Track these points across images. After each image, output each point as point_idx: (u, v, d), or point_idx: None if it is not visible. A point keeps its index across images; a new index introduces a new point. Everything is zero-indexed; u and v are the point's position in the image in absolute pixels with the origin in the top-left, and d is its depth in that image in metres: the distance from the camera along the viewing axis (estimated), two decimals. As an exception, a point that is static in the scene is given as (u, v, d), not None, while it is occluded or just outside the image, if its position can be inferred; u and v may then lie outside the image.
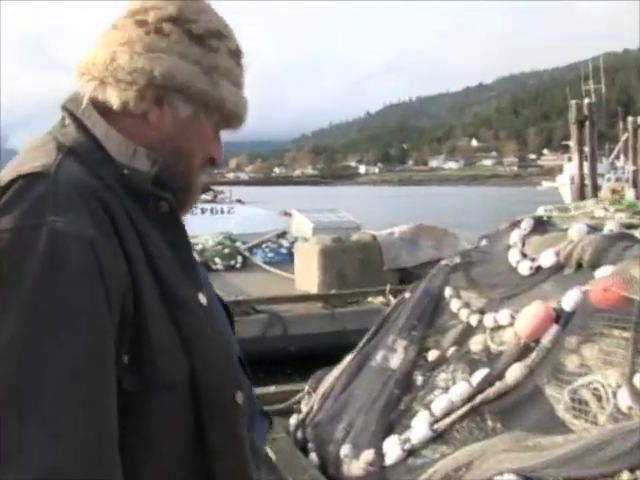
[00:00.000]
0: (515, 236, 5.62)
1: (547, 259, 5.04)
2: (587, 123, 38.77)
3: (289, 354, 11.04)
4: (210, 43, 1.68)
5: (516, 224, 5.89)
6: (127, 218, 1.49)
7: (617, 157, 67.13)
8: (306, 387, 6.47)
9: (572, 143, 49.21)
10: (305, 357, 10.78)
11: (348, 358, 6.12)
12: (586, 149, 40.10)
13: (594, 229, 5.16)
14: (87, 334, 1.32)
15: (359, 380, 5.66)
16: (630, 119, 51.67)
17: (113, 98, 1.60)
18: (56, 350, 1.28)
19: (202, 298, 1.61)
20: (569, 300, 4.36)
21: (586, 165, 40.73)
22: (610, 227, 5.13)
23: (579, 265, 4.81)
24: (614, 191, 48.36)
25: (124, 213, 1.49)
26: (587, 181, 40.48)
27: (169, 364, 1.48)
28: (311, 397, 6.21)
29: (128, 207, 1.51)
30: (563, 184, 65.98)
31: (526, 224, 5.75)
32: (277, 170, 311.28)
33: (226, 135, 1.80)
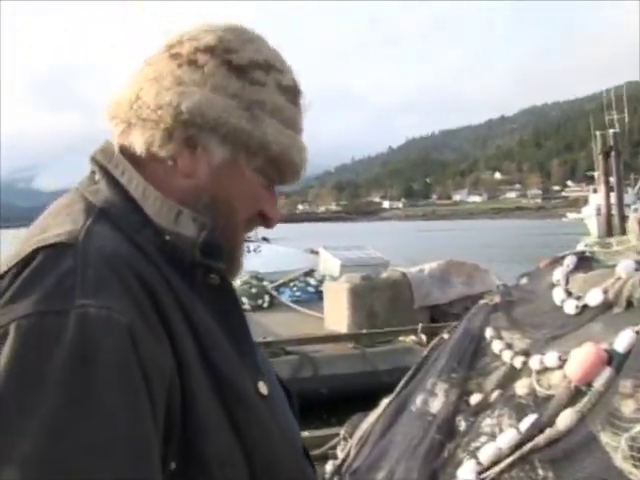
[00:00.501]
0: (558, 273, 5.43)
1: (594, 298, 4.84)
2: (613, 153, 38.44)
3: (320, 396, 10.87)
4: (254, 75, 1.44)
5: (558, 261, 5.70)
6: (171, 294, 1.27)
7: (643, 187, 66.85)
8: (342, 432, 6.30)
9: (597, 174, 48.99)
10: (337, 399, 10.67)
11: (385, 402, 5.94)
12: (612, 180, 39.76)
13: (642, 265, 4.96)
14: (126, 454, 1.08)
15: (398, 425, 5.48)
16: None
17: (137, 140, 1.39)
18: (87, 475, 1.04)
19: (263, 387, 1.38)
20: (622, 341, 4.16)
21: (612, 196, 40.38)
22: (661, 263, 4.93)
23: (629, 304, 4.61)
24: (641, 221, 48.03)
25: (167, 288, 1.27)
26: (613, 212, 40.10)
27: (227, 474, 1.25)
28: (347, 443, 6.03)
29: (171, 280, 1.30)
30: (589, 215, 65.76)
31: (569, 261, 5.55)
32: (301, 207, 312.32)
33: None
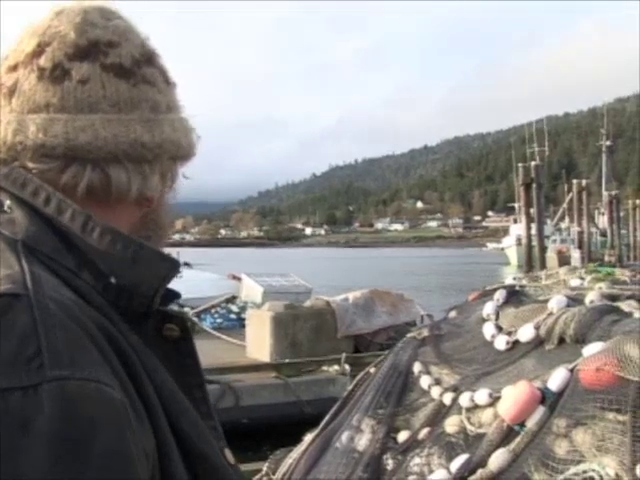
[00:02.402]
0: (489, 308, 5.34)
1: (526, 333, 4.75)
2: (534, 185, 39.18)
3: (242, 427, 10.66)
4: (170, 76, 1.26)
5: (487, 294, 5.63)
6: (134, 354, 1.01)
7: (561, 219, 68.32)
8: (264, 468, 6.11)
9: (519, 205, 49.95)
10: (259, 429, 10.51)
11: (309, 437, 5.78)
12: (532, 211, 40.53)
13: (574, 300, 4.90)
14: None
15: (323, 463, 5.32)
16: (575, 181, 52.85)
17: (122, 183, 1.14)
18: None
19: (229, 455, 1.17)
20: (556, 379, 4.06)
21: (532, 227, 41.19)
22: (591, 298, 4.86)
23: (561, 340, 4.53)
24: (560, 252, 49.17)
25: (131, 350, 1.01)
26: (534, 242, 40.89)
27: None
28: (270, 479, 5.85)
29: (127, 337, 1.03)
30: (509, 245, 66.93)
31: (499, 295, 5.47)
32: (223, 231, 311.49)
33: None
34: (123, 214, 1.18)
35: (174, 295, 1.22)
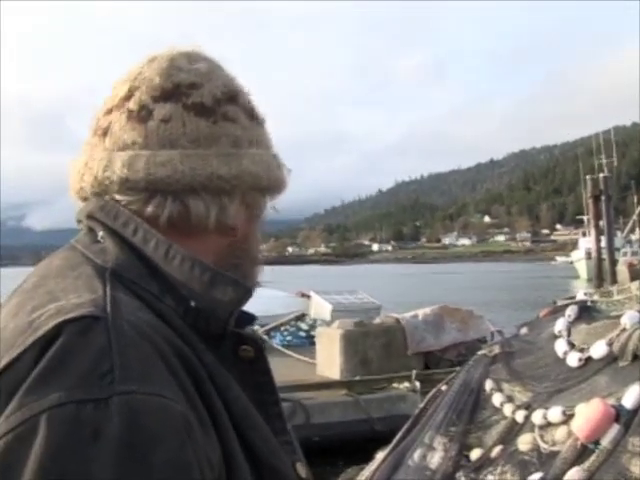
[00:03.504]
0: (560, 324, 5.30)
1: (598, 350, 4.72)
2: (603, 197, 38.62)
3: (313, 444, 10.68)
4: (258, 114, 1.37)
5: (558, 310, 5.60)
6: (204, 370, 1.10)
7: (632, 231, 67.19)
8: (338, 485, 6.16)
9: (587, 218, 49.26)
10: (330, 447, 10.52)
11: (381, 455, 5.79)
12: (602, 223, 39.92)
13: (647, 316, 4.84)
14: None
15: (396, 481, 5.33)
16: (644, 192, 51.86)
17: (200, 213, 1.23)
18: None
19: (301, 469, 1.25)
20: (630, 397, 4.04)
21: (602, 239, 40.58)
22: (666, 314, 4.81)
23: (635, 357, 4.49)
24: (631, 265, 48.35)
25: (201, 366, 1.10)
26: (604, 255, 40.26)
27: None
28: (343, 497, 5.88)
29: (201, 355, 1.13)
30: (579, 259, 65.95)
31: (571, 311, 5.43)
32: (290, 249, 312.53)
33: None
34: (207, 243, 1.27)
35: (250, 318, 1.32)
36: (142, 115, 1.24)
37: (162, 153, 1.21)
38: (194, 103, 1.26)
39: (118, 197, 1.23)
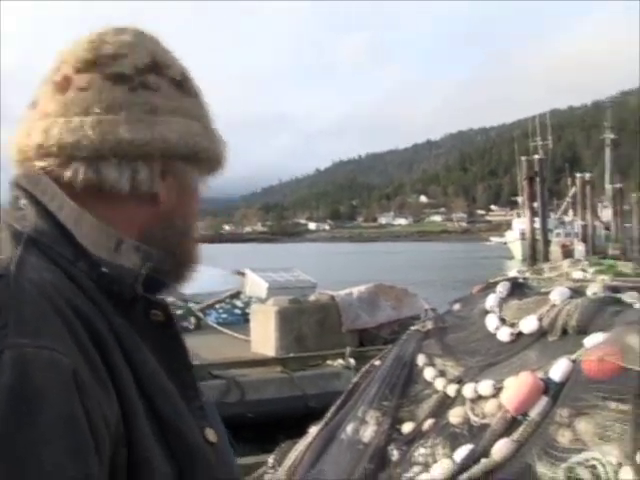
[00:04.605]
0: (492, 300, 5.37)
1: (529, 325, 4.80)
2: (537, 179, 39.15)
3: (247, 421, 10.69)
4: (189, 87, 1.37)
5: (490, 286, 5.66)
6: (111, 333, 1.13)
7: (565, 212, 68.20)
8: (270, 460, 6.15)
9: (522, 199, 49.86)
10: (264, 424, 10.52)
11: (314, 429, 5.81)
12: (536, 205, 40.47)
13: (576, 292, 4.93)
14: None
15: (328, 455, 5.36)
16: (579, 175, 52.77)
17: (113, 179, 1.24)
18: None
19: (210, 434, 1.25)
20: (558, 370, 4.11)
21: (536, 220, 41.13)
22: (594, 290, 4.90)
23: (564, 331, 4.57)
24: (564, 246, 49.09)
25: (107, 326, 1.13)
26: (537, 236, 40.84)
27: None
28: (276, 471, 5.88)
29: (110, 317, 1.16)
30: (513, 239, 66.79)
31: (502, 287, 5.50)
32: (227, 227, 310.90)
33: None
34: (127, 211, 1.28)
35: (161, 284, 1.30)
36: (63, 85, 1.27)
37: (75, 120, 1.23)
38: (113, 72, 1.27)
39: (37, 163, 1.25)
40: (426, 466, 4.50)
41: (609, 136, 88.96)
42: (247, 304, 17.55)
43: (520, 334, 4.87)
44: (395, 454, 4.93)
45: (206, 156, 1.36)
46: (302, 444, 5.81)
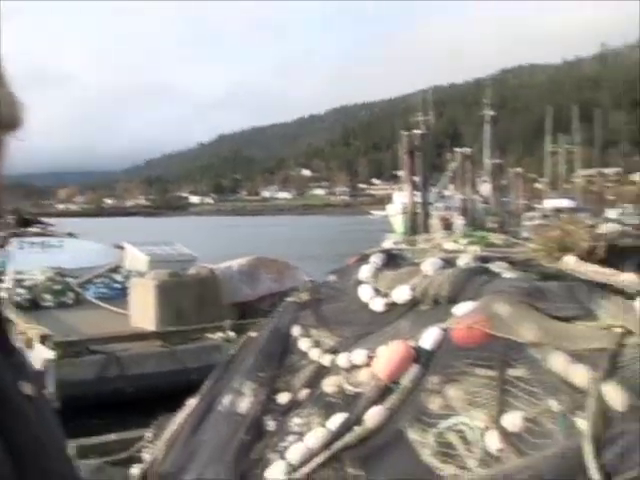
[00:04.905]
0: (366, 271, 5.43)
1: (401, 295, 4.87)
2: (418, 153, 39.74)
3: (128, 396, 10.58)
4: None
5: (365, 258, 5.71)
6: None
7: (445, 187, 69.31)
8: (148, 434, 6.11)
9: (403, 173, 50.45)
10: (145, 398, 10.43)
11: (193, 402, 5.79)
12: (416, 179, 41.07)
13: (448, 263, 5.03)
14: None
15: (206, 427, 5.35)
16: (458, 150, 53.65)
17: None
18: None
19: (26, 387, 1.22)
20: (429, 338, 4.19)
21: (417, 194, 41.76)
22: (465, 260, 5.01)
23: (436, 301, 4.66)
24: (444, 219, 49.98)
25: None
26: (418, 210, 41.47)
27: None
28: (155, 445, 5.84)
29: None
30: (394, 213, 67.56)
31: (376, 258, 5.57)
32: (108, 201, 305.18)
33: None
34: None
35: None
36: None
37: None
38: None
39: None
40: (301, 435, 4.52)
41: (489, 113, 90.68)
42: (127, 278, 17.28)
43: (393, 304, 4.94)
44: (271, 424, 4.95)
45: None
46: (180, 417, 5.79)
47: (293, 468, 4.30)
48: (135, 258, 19.41)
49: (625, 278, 4.57)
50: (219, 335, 12.33)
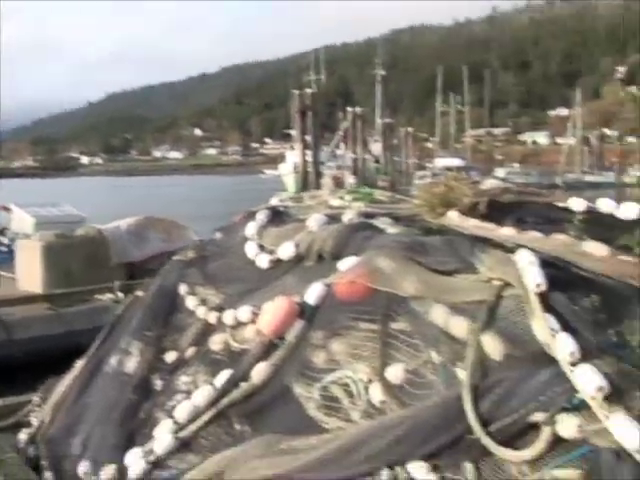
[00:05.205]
0: (251, 228, 5.43)
1: (286, 251, 4.89)
2: (309, 113, 39.71)
3: (16, 361, 10.37)
4: None
5: (251, 215, 5.71)
6: None
7: (337, 146, 69.58)
8: (35, 398, 6.02)
9: (294, 132, 50.39)
10: (33, 363, 10.24)
11: (80, 364, 5.73)
12: (308, 138, 41.09)
13: (333, 219, 5.06)
14: None
15: (93, 388, 5.31)
16: (350, 109, 53.82)
17: None
18: None
19: None
20: (313, 294, 4.22)
21: (308, 153, 41.82)
22: (349, 216, 5.05)
23: (320, 256, 4.69)
24: (335, 178, 50.23)
25: None
26: (310, 169, 41.55)
27: None
28: (42, 409, 5.76)
29: None
30: (286, 172, 67.60)
31: (262, 215, 5.57)
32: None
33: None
34: None
35: None
36: None
37: None
38: None
39: None
40: (188, 394, 4.53)
41: (380, 72, 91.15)
42: (13, 241, 16.86)
43: (278, 260, 4.96)
44: (158, 383, 4.94)
45: None
46: (67, 379, 5.72)
47: (180, 426, 4.31)
48: (21, 220, 18.91)
49: (505, 232, 4.68)
50: (108, 296, 12.17)
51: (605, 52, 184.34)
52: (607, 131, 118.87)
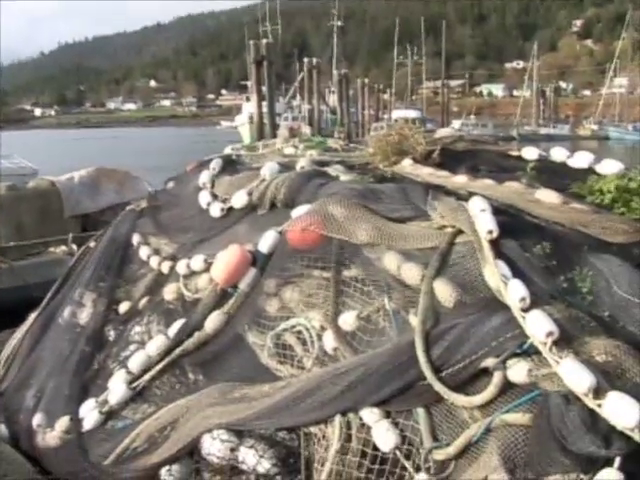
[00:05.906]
0: (204, 177, 5.40)
1: (239, 200, 4.87)
2: (265, 63, 39.36)
3: (-33, 316, 10.24)
4: None
5: (204, 164, 5.68)
6: None
7: (293, 97, 69.19)
8: (-14, 353, 5.97)
9: (250, 83, 50.00)
10: (-15, 317, 10.12)
11: (32, 316, 5.70)
12: (264, 89, 40.76)
13: (286, 167, 5.05)
14: None
15: (46, 340, 5.30)
16: (306, 60, 53.45)
17: None
18: None
19: None
20: (265, 242, 4.21)
21: (264, 104, 41.50)
22: (302, 164, 5.03)
23: (273, 205, 4.67)
24: (291, 129, 50.00)
25: None
26: (265, 120, 41.28)
27: None
28: (-6, 363, 5.72)
29: None
30: (242, 123, 67.14)
31: (215, 164, 5.53)
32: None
33: None
34: None
35: None
36: None
37: None
38: None
39: None
40: (142, 344, 4.52)
41: (337, 23, 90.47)
42: (-37, 194, 16.62)
43: (231, 209, 4.93)
44: (112, 334, 4.93)
45: None
46: (20, 332, 5.69)
47: (134, 377, 4.30)
48: (-29, 174, 18.65)
49: (458, 180, 4.69)
50: (62, 249, 12.01)
51: (562, 5, 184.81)
52: (562, 84, 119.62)
